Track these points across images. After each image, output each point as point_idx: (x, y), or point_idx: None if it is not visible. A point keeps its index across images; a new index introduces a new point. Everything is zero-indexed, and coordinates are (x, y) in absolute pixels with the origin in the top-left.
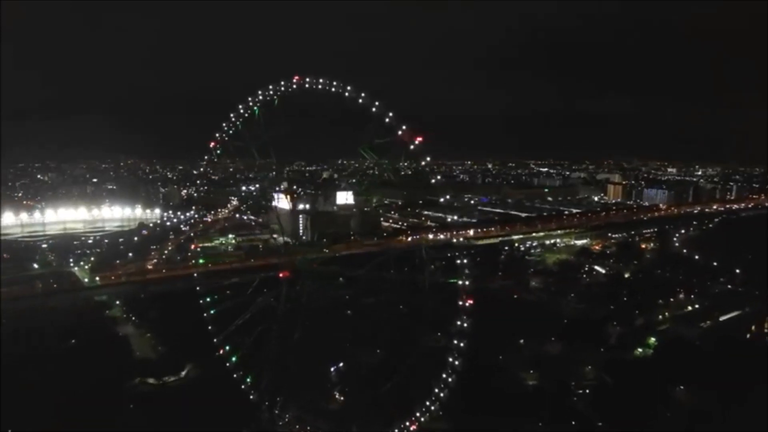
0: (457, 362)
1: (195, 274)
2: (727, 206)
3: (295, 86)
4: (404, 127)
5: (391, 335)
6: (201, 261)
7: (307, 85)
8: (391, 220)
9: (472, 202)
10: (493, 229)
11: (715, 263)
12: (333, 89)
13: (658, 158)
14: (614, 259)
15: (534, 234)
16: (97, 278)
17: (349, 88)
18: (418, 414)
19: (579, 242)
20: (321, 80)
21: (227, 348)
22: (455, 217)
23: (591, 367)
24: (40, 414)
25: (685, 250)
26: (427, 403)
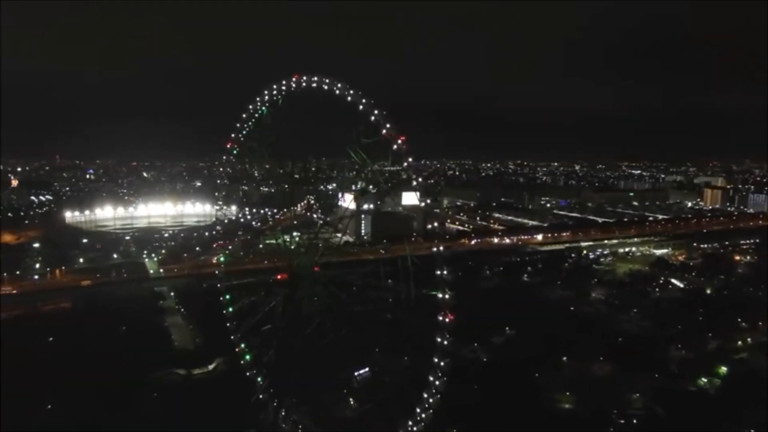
0: (437, 381)
1: (216, 272)
2: None
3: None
4: (388, 126)
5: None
6: (222, 259)
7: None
8: (457, 222)
9: (549, 205)
10: (564, 234)
11: None
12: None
13: None
14: (697, 272)
15: (607, 241)
16: (161, 270)
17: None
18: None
19: (658, 252)
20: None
21: (242, 346)
22: (527, 221)
23: (639, 395)
24: (69, 394)
25: None
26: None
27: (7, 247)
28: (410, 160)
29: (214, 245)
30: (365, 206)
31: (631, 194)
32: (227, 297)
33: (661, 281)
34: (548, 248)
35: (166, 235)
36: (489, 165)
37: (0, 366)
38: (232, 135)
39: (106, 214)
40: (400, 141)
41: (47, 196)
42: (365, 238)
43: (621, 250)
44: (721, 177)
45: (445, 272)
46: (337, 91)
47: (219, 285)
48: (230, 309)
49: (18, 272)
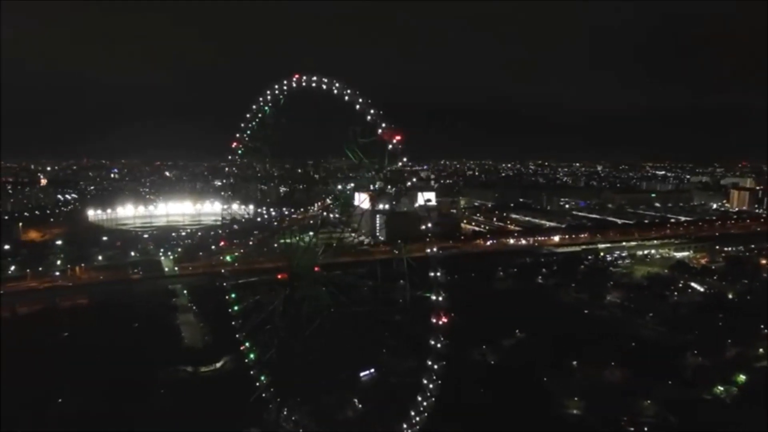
0: (431, 384)
1: (222, 271)
2: None
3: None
4: (383, 125)
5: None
6: (228, 258)
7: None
8: (474, 223)
9: (568, 206)
10: (582, 235)
11: None
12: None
13: None
14: (719, 276)
15: (625, 243)
16: (176, 268)
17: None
18: None
19: (679, 254)
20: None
21: (246, 345)
22: (544, 222)
23: (651, 402)
24: (79, 388)
25: None
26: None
27: (32, 244)
28: (404, 159)
29: (221, 244)
30: (380, 206)
31: (653, 195)
32: (233, 296)
33: (680, 285)
34: (564, 250)
35: (184, 233)
36: (509, 165)
37: (16, 360)
38: (237, 135)
39: (127, 212)
40: (395, 140)
41: (72, 195)
42: (380, 237)
43: (640, 253)
44: (750, 178)
45: (438, 274)
46: (335, 91)
47: (225, 284)
48: (235, 308)
49: (40, 268)
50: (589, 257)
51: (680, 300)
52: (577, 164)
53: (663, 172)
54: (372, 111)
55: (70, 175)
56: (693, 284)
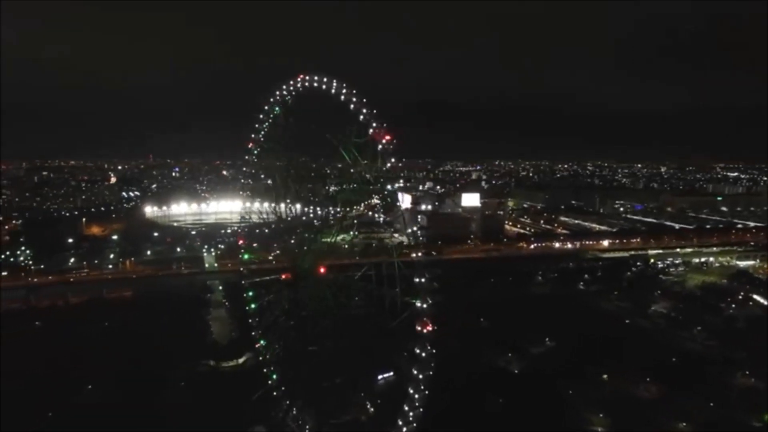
0: (417, 393)
1: (241, 269)
2: None
3: None
4: (375, 125)
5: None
6: (246, 257)
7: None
8: (519, 225)
9: (622, 209)
10: (633, 240)
11: None
12: None
13: None
14: None
15: (680, 249)
16: (216, 264)
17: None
18: None
19: (742, 263)
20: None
21: (261, 343)
22: (594, 225)
23: (687, 424)
24: (109, 376)
25: None
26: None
27: (93, 238)
28: (393, 160)
29: (239, 242)
30: (423, 206)
31: (720, 198)
32: (250, 294)
33: (740, 297)
34: (611, 255)
35: (230, 230)
36: (566, 166)
37: (59, 346)
38: (252, 135)
39: (181, 209)
40: (385, 140)
41: (136, 192)
42: (421, 239)
43: (696, 260)
44: None
45: (423, 280)
46: (333, 90)
47: (243, 282)
48: (252, 306)
49: (96, 261)
50: (638, 263)
51: (737, 313)
52: (639, 165)
53: (736, 174)
54: (365, 110)
55: (136, 174)
56: (755, 296)
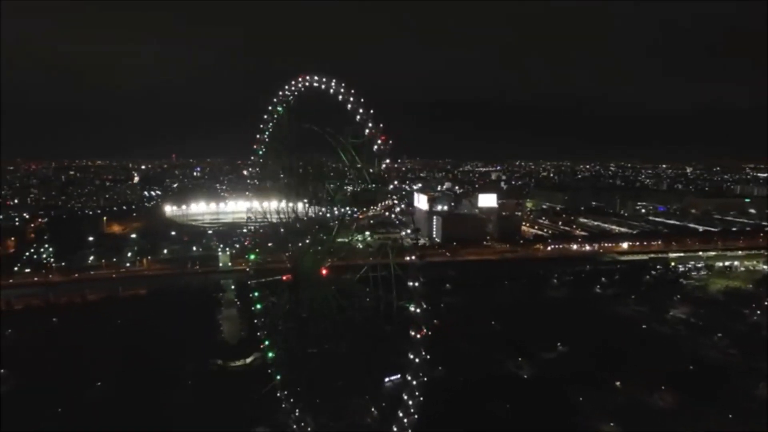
0: (410, 399)
1: (247, 270)
2: None
3: None
4: (370, 125)
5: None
6: (251, 257)
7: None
8: (537, 227)
9: (644, 210)
10: (654, 243)
11: None
12: None
13: None
14: None
15: (702, 252)
16: (229, 264)
17: None
18: None
19: None
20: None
21: (266, 343)
22: (614, 227)
23: None
24: (118, 373)
25: None
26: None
27: (113, 237)
28: (387, 161)
29: (246, 242)
30: (439, 207)
31: (748, 200)
32: (255, 294)
33: (765, 303)
34: (630, 258)
35: (245, 230)
36: (587, 167)
37: (72, 342)
38: (257, 135)
39: (200, 208)
40: (380, 141)
41: (157, 192)
42: (436, 240)
43: (719, 264)
44: None
45: (417, 284)
46: (332, 90)
47: (249, 282)
48: (258, 306)
49: (114, 259)
50: (658, 267)
51: (762, 320)
52: (664, 166)
53: (766, 175)
54: (361, 111)
55: (159, 173)
56: None
